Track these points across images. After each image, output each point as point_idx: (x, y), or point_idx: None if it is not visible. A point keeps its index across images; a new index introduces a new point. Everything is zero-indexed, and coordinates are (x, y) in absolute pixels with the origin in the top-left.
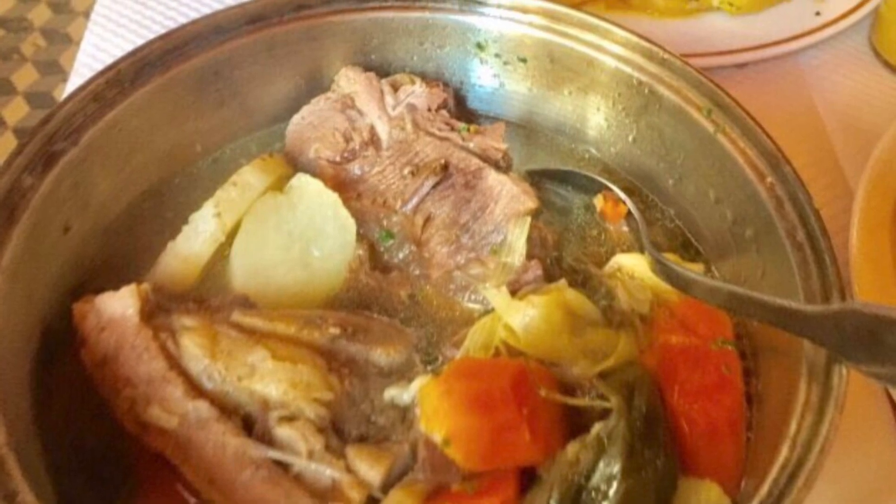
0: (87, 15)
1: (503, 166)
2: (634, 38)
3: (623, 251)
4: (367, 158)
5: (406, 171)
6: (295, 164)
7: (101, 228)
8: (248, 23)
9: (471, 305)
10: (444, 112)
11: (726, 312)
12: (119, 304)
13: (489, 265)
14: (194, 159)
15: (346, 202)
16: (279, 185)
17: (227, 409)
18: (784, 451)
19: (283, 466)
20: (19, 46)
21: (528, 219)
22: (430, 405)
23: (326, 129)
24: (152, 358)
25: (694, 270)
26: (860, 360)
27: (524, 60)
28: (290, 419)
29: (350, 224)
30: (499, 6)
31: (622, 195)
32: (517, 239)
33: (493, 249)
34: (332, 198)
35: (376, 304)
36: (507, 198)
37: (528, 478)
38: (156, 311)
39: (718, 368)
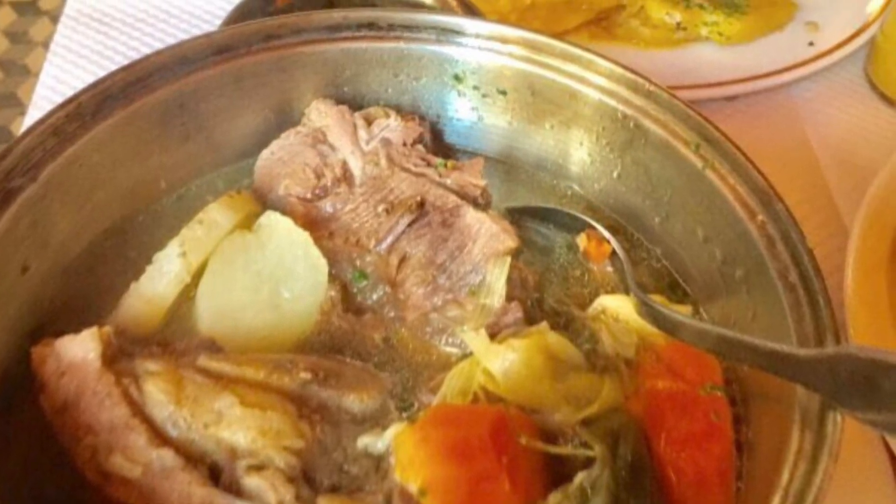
0: (46, 45)
1: (482, 203)
2: (619, 70)
3: (607, 292)
4: (339, 195)
5: (380, 208)
6: (264, 201)
7: (60, 268)
8: (215, 53)
9: (448, 349)
10: (419, 147)
11: (715, 357)
12: (80, 348)
13: (467, 307)
14: (158, 196)
15: (318, 241)
16: (247, 223)
17: (192, 457)
18: (776, 502)
19: None
20: None
21: (508, 259)
22: (405, 454)
23: (297, 165)
24: (115, 404)
25: (681, 313)
26: (856, 407)
27: (504, 93)
28: (258, 468)
29: (321, 264)
30: (477, 36)
31: (606, 234)
32: (496, 280)
33: (471, 290)
34: (303, 237)
35: (349, 348)
36: (486, 237)
37: None
38: (118, 356)
39: (707, 415)
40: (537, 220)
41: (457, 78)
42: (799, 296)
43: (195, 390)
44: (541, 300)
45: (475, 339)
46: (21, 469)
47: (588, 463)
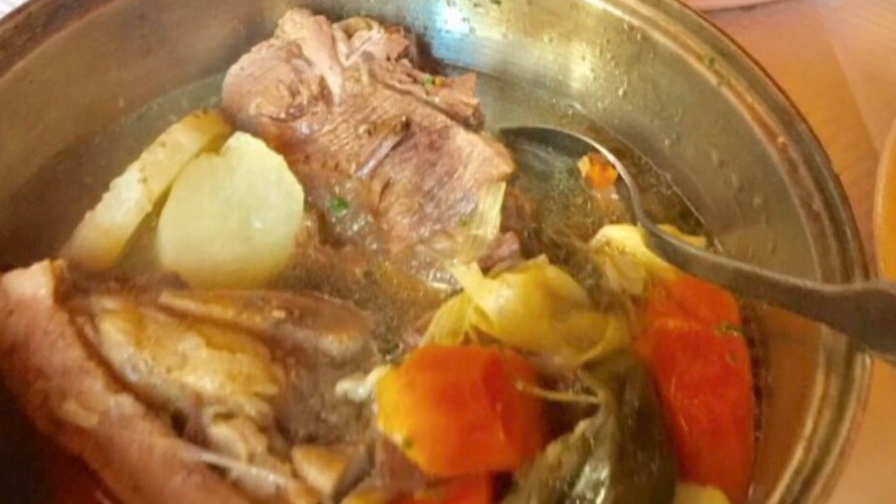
0: None
1: (474, 124)
2: None
3: (612, 222)
4: (316, 115)
5: (361, 129)
6: (233, 121)
7: (8, 196)
8: None
9: (436, 285)
10: (405, 62)
11: (732, 293)
12: (30, 284)
13: (457, 238)
14: (116, 116)
15: (292, 165)
16: (214, 145)
17: (154, 404)
18: (798, 454)
19: (219, 471)
20: None
21: (503, 185)
22: (389, 400)
23: (269, 82)
24: (68, 346)
25: (694, 244)
26: (886, 348)
27: (498, 2)
28: (227, 416)
29: (296, 191)
30: None
31: (611, 158)
32: (490, 208)
33: (461, 220)
34: (276, 161)
35: (327, 284)
36: (478, 161)
37: (502, 484)
38: (72, 292)
39: (722, 358)
40: (535, 142)
41: None
42: (824, 226)
43: (157, 330)
44: (539, 231)
45: (466, 274)
46: None
47: (591, 410)
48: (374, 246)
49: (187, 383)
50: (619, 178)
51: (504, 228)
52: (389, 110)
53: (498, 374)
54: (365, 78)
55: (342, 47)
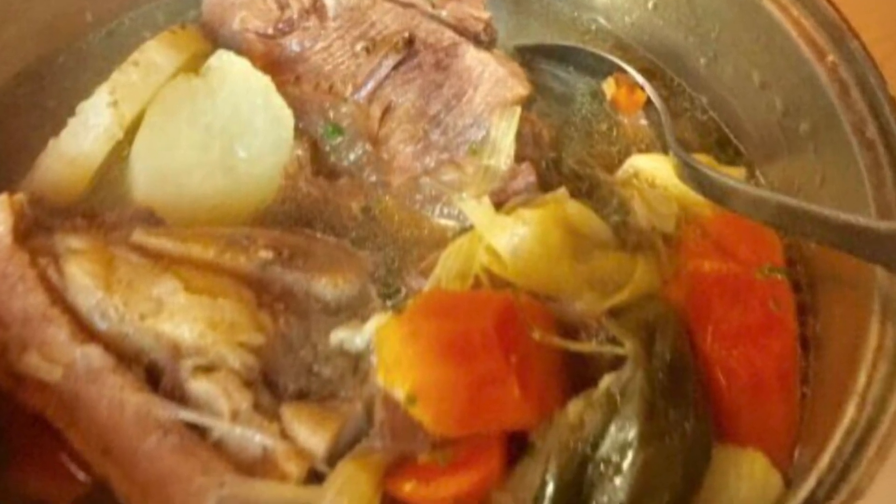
0: None
1: (485, 41)
2: None
3: (641, 151)
4: (308, 31)
5: (359, 46)
6: (214, 38)
7: None
8: None
9: (443, 222)
10: None
11: (775, 231)
12: None
13: (467, 169)
14: (83, 32)
15: (281, 87)
16: (194, 65)
17: (126, 356)
18: (850, 411)
19: (199, 431)
20: None
21: (518, 109)
22: (389, 352)
23: None
24: (29, 290)
25: (733, 176)
26: None
27: None
28: (208, 370)
29: (286, 116)
30: None
31: (639, 78)
32: (503, 135)
33: (471, 149)
34: (263, 82)
35: (320, 220)
36: (490, 82)
37: (517, 446)
38: (34, 230)
39: (765, 304)
40: (554, 61)
41: None
42: (878, 155)
43: (129, 273)
44: (558, 161)
45: (477, 210)
46: None
47: (617, 363)
48: (374, 178)
49: (163, 332)
50: (649, 101)
51: (519, 158)
52: (390, 25)
53: (512, 322)
54: None
55: None
